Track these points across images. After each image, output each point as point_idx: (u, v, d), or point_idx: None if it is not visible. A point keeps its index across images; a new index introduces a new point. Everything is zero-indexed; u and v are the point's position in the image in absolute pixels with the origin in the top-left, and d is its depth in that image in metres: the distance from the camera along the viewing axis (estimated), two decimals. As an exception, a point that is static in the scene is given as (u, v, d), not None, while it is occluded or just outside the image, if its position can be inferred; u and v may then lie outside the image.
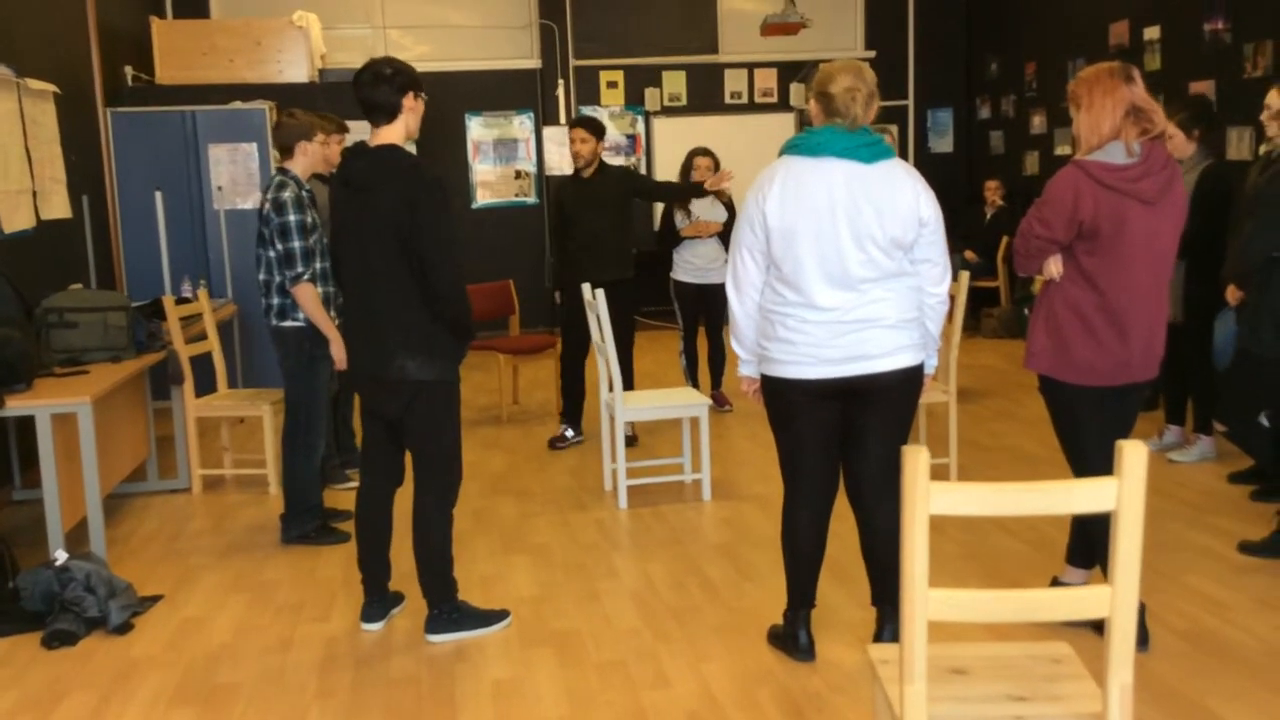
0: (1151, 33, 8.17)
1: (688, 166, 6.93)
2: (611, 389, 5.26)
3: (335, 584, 4.30)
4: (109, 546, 4.58)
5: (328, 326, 4.71)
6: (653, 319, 10.15)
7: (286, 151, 4.84)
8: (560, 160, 10.63)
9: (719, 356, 7.05)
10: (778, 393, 3.35)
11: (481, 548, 4.64)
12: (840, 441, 3.38)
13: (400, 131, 3.58)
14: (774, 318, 3.28)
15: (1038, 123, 9.94)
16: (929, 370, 3.38)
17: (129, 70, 8.06)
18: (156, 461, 5.85)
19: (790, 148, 3.30)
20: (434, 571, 3.72)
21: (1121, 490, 1.95)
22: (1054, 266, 3.31)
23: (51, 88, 6.47)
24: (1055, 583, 3.70)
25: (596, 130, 6.17)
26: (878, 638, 3.40)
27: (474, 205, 10.71)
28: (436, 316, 3.55)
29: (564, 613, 3.93)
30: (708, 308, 6.97)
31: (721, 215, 6.93)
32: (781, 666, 3.44)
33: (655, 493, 5.33)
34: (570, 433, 6.41)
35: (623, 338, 6.01)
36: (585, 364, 6.37)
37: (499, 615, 3.84)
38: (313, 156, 4.88)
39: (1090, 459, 3.32)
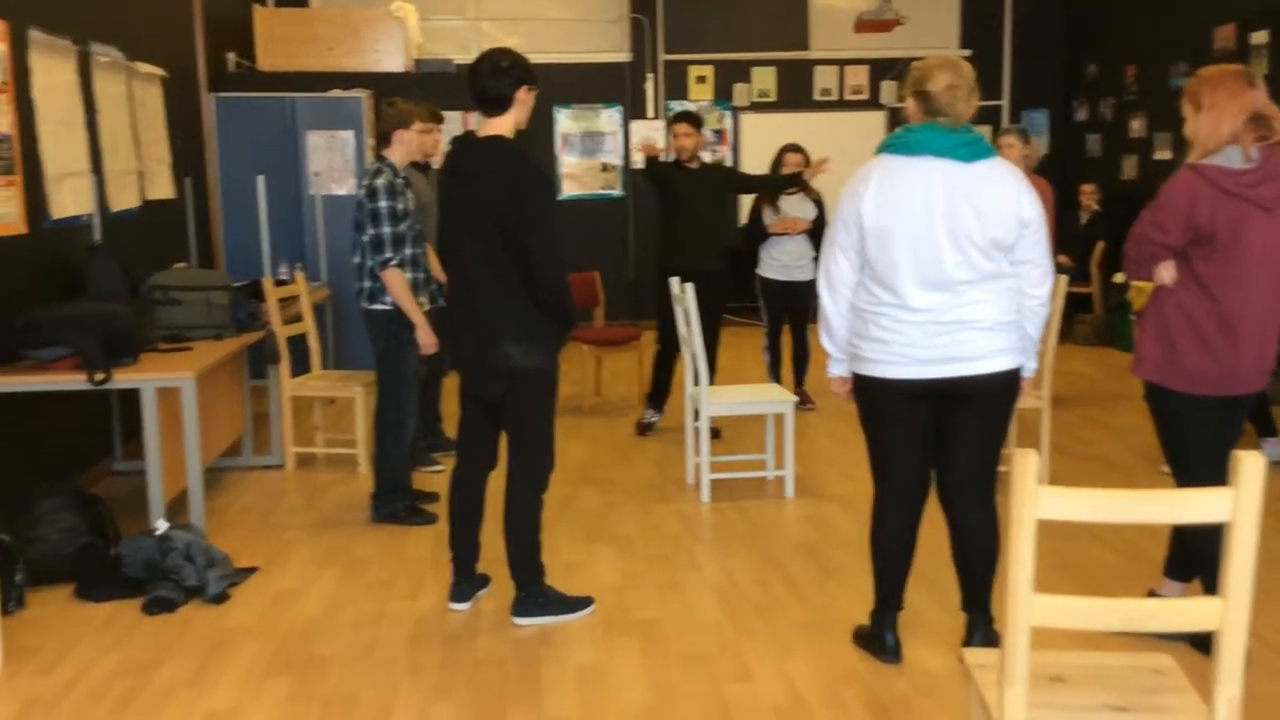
0: (1259, 37, 7.94)
1: (778, 163, 6.91)
2: (697, 382, 5.27)
3: (424, 563, 4.38)
4: (206, 518, 4.70)
5: (414, 311, 4.79)
6: (737, 315, 10.13)
7: (384, 139, 4.94)
8: (647, 154, 10.66)
9: (803, 354, 7.02)
10: (870, 392, 3.33)
11: (565, 536, 4.69)
12: (933, 443, 3.35)
13: (509, 123, 3.63)
14: (868, 316, 3.26)
15: (1137, 127, 9.71)
16: (1027, 374, 3.33)
17: (232, 56, 8.26)
18: (252, 438, 6.00)
19: (887, 146, 3.27)
20: (523, 555, 3.78)
21: (1237, 501, 1.91)
22: (1166, 272, 3.24)
23: (159, 71, 6.66)
24: (1152, 595, 3.63)
25: (699, 124, 6.39)
26: (967, 643, 3.36)
27: (560, 198, 10.78)
28: (539, 305, 3.60)
29: (647, 602, 3.95)
30: (793, 305, 6.94)
31: (810, 212, 6.89)
32: (867, 667, 3.42)
33: (737, 488, 5.33)
34: (657, 417, 6.58)
35: (714, 329, 6.17)
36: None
37: (584, 602, 3.88)
38: (409, 145, 4.97)
39: (1196, 469, 3.24)
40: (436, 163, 5.79)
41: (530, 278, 3.55)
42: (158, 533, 4.18)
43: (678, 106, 10.74)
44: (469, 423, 3.86)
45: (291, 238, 7.80)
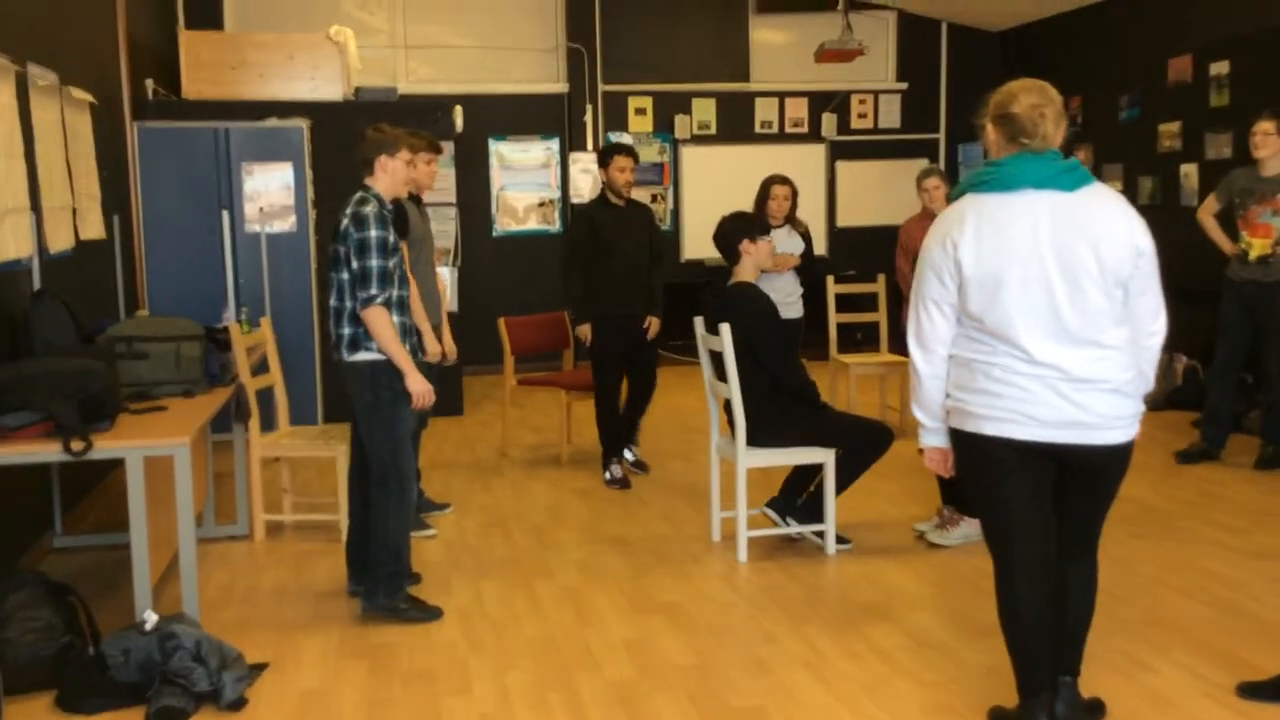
0: (1219, 68, 7.99)
1: (765, 195, 6.58)
2: (731, 434, 4.86)
3: (459, 648, 3.83)
4: (176, 604, 3.99)
5: (402, 358, 4.17)
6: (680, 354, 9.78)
7: (367, 166, 4.35)
8: (586, 187, 10.26)
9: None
10: (979, 452, 2.95)
11: (606, 606, 4.20)
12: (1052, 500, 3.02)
13: (747, 270, 4.92)
14: (976, 367, 2.91)
15: (1083, 158, 9.69)
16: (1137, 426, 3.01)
17: (150, 83, 7.55)
18: (213, 505, 5.34)
19: (975, 185, 2.94)
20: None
21: None
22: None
23: (88, 97, 5.97)
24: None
25: (637, 159, 6.30)
26: (1051, 707, 2.99)
27: (495, 233, 10.28)
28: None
29: (738, 687, 3.50)
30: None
31: (798, 246, 6.58)
32: (1022, 755, 3.03)
33: (768, 545, 4.92)
34: (618, 470, 6.19)
35: (651, 375, 6.31)
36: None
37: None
38: (395, 174, 4.35)
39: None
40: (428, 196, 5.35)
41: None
42: (147, 626, 3.56)
43: (615, 139, 10.40)
44: None
45: (221, 278, 7.13)
